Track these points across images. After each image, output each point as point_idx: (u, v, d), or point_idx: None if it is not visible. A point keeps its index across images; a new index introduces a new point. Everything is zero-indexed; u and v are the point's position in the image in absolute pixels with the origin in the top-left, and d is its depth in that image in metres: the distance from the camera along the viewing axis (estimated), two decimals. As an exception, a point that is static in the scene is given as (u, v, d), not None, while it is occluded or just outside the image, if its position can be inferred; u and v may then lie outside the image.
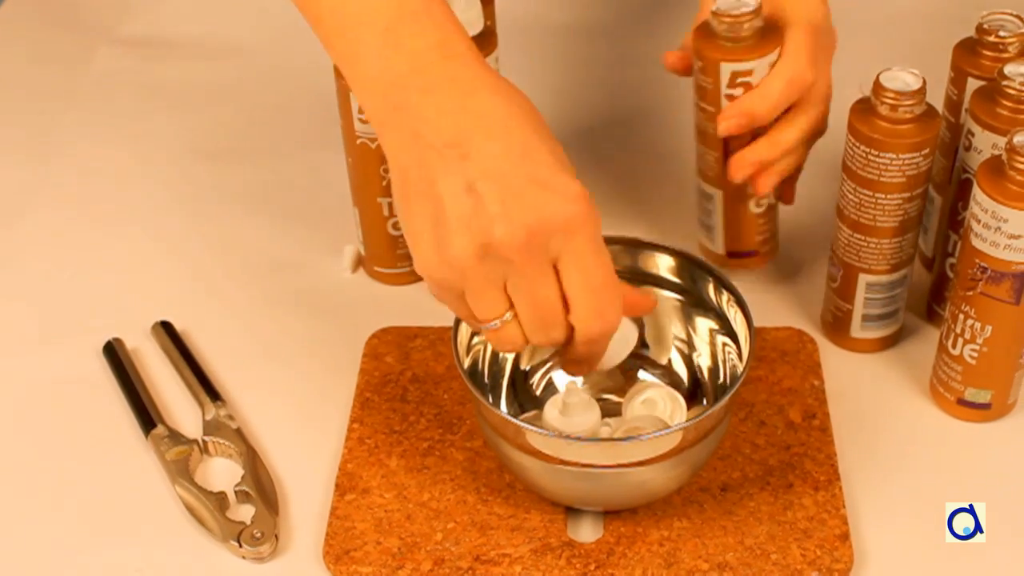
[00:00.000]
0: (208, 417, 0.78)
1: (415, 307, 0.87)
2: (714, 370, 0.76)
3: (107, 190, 0.98)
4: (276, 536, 0.72)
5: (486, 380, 0.76)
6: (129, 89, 1.08)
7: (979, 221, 0.71)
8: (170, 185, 0.98)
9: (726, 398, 0.68)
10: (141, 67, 1.10)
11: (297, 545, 0.73)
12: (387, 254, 0.87)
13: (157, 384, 0.82)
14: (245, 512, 0.73)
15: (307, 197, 0.96)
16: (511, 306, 0.62)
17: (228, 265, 0.91)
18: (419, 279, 0.88)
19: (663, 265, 0.77)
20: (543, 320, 0.62)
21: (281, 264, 0.91)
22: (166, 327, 0.84)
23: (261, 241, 0.92)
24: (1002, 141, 0.71)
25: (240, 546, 0.71)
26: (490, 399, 0.75)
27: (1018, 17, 0.78)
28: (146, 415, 0.78)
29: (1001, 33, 0.77)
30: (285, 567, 0.72)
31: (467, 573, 0.70)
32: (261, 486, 0.74)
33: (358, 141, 0.82)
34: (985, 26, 0.77)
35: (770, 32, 0.78)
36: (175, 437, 0.77)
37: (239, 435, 0.77)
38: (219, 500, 0.73)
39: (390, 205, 0.84)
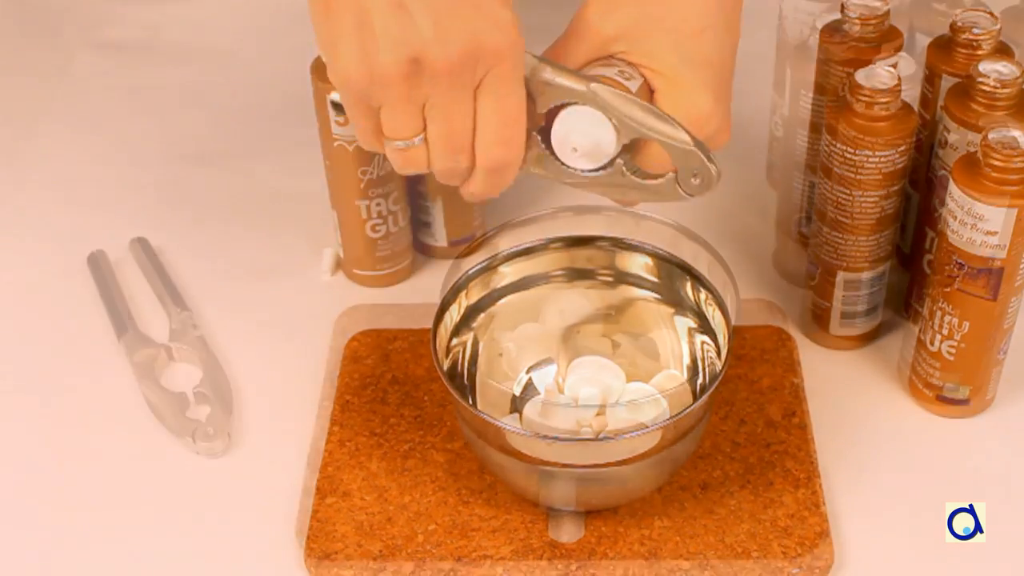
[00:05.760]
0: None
1: (395, 310, 0.87)
2: (693, 369, 0.76)
3: (86, 194, 0.98)
4: (228, 434, 0.77)
5: (466, 381, 0.76)
6: (108, 94, 1.08)
7: (955, 217, 0.71)
8: (148, 190, 0.97)
9: (705, 396, 0.69)
10: (120, 72, 1.10)
11: (278, 548, 0.72)
12: (366, 257, 0.87)
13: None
14: (202, 412, 0.79)
15: (285, 200, 0.96)
16: (424, 128, 0.62)
17: (206, 269, 0.90)
18: (399, 281, 0.89)
19: (641, 264, 0.77)
20: (453, 145, 0.63)
21: (260, 267, 0.90)
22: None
23: (240, 245, 0.92)
24: (977, 138, 0.71)
25: (194, 442, 0.76)
26: (470, 400, 0.75)
27: (991, 14, 0.78)
28: (120, 320, 0.84)
29: (975, 31, 0.77)
30: (267, 571, 0.72)
31: (448, 575, 0.70)
32: (218, 388, 0.80)
33: (335, 143, 0.82)
34: (959, 24, 0.78)
35: None
36: (144, 341, 0.83)
37: (201, 342, 0.83)
38: (179, 400, 0.79)
39: (368, 208, 0.84)
